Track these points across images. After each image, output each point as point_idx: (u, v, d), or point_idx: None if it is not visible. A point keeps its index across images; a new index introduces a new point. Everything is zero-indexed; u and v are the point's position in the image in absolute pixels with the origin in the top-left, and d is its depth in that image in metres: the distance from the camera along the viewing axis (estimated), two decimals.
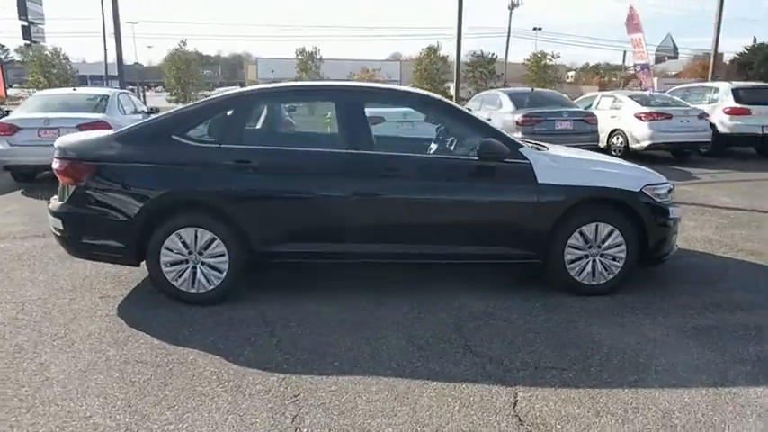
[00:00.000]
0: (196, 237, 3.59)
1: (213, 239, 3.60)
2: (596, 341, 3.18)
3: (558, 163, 3.79)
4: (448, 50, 33.54)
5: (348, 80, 33.45)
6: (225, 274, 3.64)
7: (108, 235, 3.63)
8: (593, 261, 3.80)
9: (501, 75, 34.19)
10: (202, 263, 3.63)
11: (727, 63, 64.75)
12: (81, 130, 6.62)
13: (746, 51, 59.32)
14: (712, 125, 10.90)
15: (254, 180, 3.59)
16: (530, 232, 3.72)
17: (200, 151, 3.65)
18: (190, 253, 3.61)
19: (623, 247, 3.78)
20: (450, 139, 3.95)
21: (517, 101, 10.58)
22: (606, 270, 3.82)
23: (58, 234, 3.71)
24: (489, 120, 8.65)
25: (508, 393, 2.64)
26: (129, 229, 3.56)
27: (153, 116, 4.20)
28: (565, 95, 12.62)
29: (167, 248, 3.59)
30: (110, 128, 5.86)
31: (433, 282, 4.07)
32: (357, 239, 3.68)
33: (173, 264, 3.62)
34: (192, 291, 3.66)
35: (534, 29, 57.10)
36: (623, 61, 57.23)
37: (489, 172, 3.66)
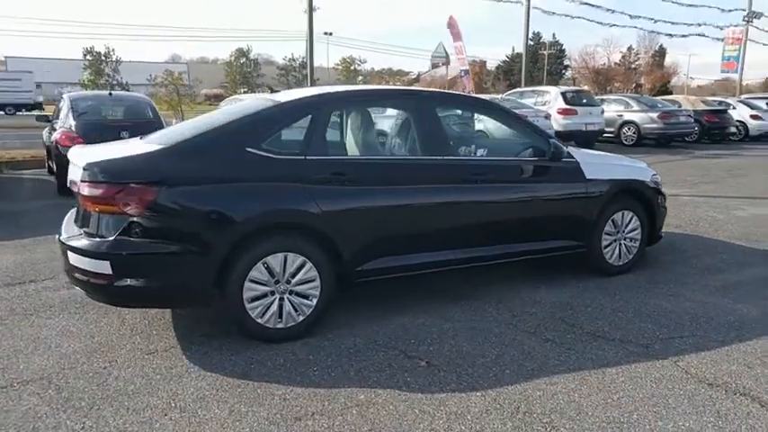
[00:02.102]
0: (285, 263, 3.20)
1: (304, 264, 3.24)
2: (670, 311, 3.75)
3: (593, 160, 4.31)
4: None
5: (152, 83, 30.57)
6: (316, 301, 3.31)
7: (177, 275, 3.00)
8: (620, 244, 4.43)
9: (317, 79, 34.89)
10: (290, 292, 3.24)
11: (493, 69, 76.21)
12: None
13: (508, 59, 70.63)
14: None
15: (350, 194, 3.33)
16: (581, 224, 4.18)
17: (287, 165, 3.22)
18: (276, 282, 3.20)
19: (639, 230, 4.50)
20: (505, 142, 4.17)
21: None
22: (628, 251, 4.48)
23: (98, 281, 2.93)
24: None
25: (671, 365, 3.02)
26: (207, 264, 3.01)
27: (201, 125, 3.52)
28: None
29: (252, 281, 3.12)
30: None
31: (483, 283, 4.24)
32: (444, 247, 3.68)
33: (256, 299, 3.16)
34: (280, 326, 3.24)
35: (325, 33, 59.43)
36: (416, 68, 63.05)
37: (552, 171, 4.00)
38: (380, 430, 2.44)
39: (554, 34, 70.07)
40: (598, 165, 4.27)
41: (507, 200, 3.89)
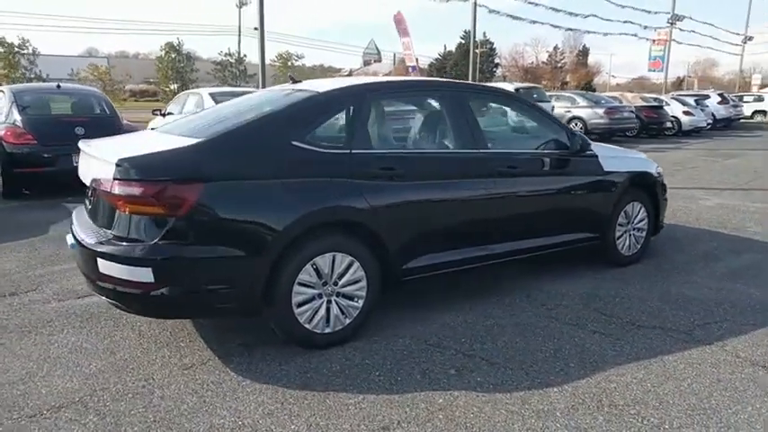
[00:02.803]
0: (333, 263, 3.03)
1: (351, 264, 3.08)
2: (692, 298, 3.89)
3: (609, 153, 4.40)
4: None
5: (74, 78, 28.59)
6: (363, 302, 3.16)
7: (225, 281, 2.76)
8: (630, 235, 4.57)
9: (254, 75, 33.95)
10: (338, 294, 3.08)
11: (427, 67, 77.37)
12: None
13: (440, 57, 71.98)
14: None
15: (397, 189, 3.19)
16: (600, 216, 4.26)
17: (333, 159, 3.03)
18: (324, 284, 3.02)
19: (646, 220, 4.65)
20: (532, 134, 4.15)
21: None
22: (636, 242, 4.63)
23: (136, 290, 2.63)
24: None
25: (720, 350, 3.12)
26: (258, 267, 2.79)
27: (229, 115, 3.24)
28: None
29: (301, 284, 2.93)
30: None
31: (504, 279, 4.23)
32: (485, 242, 3.64)
33: (304, 303, 2.98)
34: (327, 330, 3.07)
35: (255, 28, 57.86)
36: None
37: (577, 164, 4.05)
38: None
39: (484, 33, 71.93)
40: (613, 158, 4.37)
41: (541, 192, 3.90)
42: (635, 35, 29.27)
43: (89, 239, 2.79)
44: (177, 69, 28.98)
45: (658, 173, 4.79)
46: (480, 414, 2.49)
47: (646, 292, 4.02)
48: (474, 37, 21.32)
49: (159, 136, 3.22)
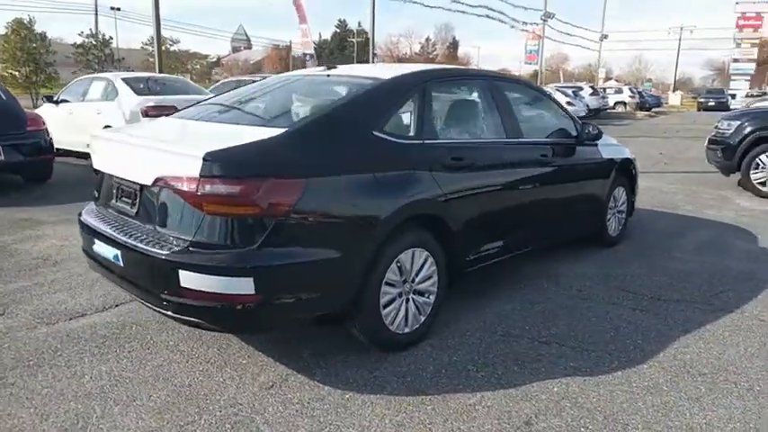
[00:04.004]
0: (413, 260, 2.91)
1: (426, 259, 2.99)
2: (688, 272, 4.32)
3: (602, 141, 4.69)
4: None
5: None
6: (434, 298, 3.08)
7: (321, 286, 2.52)
8: (615, 217, 4.94)
9: (122, 59, 31.07)
10: (414, 291, 2.97)
11: (301, 56, 76.37)
12: None
13: (315, 45, 71.47)
14: None
15: (464, 179, 3.13)
16: (602, 200, 4.56)
17: (409, 150, 2.88)
18: (404, 282, 2.90)
19: (626, 203, 5.07)
20: (550, 124, 4.25)
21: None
22: (619, 223, 5.02)
23: (231, 304, 2.30)
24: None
25: (743, 316, 3.50)
26: (357, 268, 2.60)
27: (286, 103, 2.90)
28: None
29: (387, 283, 2.79)
30: None
31: (515, 267, 4.35)
32: (530, 228, 3.77)
33: (389, 303, 2.83)
34: (407, 330, 2.96)
35: (112, 8, 53.11)
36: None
37: (587, 152, 4.27)
38: (613, 416, 2.41)
39: (359, 23, 72.61)
40: (607, 146, 4.68)
41: (568, 179, 4.10)
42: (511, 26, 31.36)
43: (155, 248, 2.38)
44: (28, 51, 25.51)
45: (634, 158, 5.23)
46: (601, 397, 2.56)
47: (646, 269, 4.39)
48: (373, 25, 21.37)
49: (205, 125, 2.85)
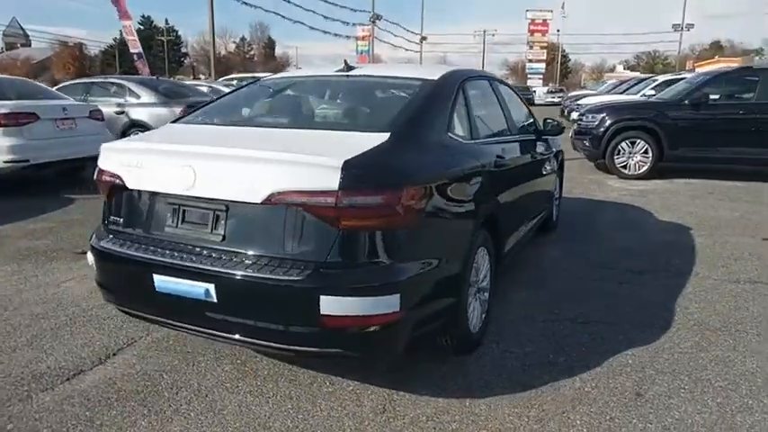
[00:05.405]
0: (481, 258, 2.97)
1: (485, 256, 3.06)
2: (631, 247, 4.99)
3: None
4: None
5: None
6: (488, 295, 3.18)
7: (443, 294, 2.49)
8: (555, 204, 5.49)
9: None
10: (479, 290, 3.03)
11: (100, 54, 69.27)
12: None
13: (116, 43, 65.34)
14: None
15: (504, 176, 3.26)
16: (553, 188, 5.04)
17: (470, 150, 2.91)
18: (475, 282, 2.95)
19: (559, 190, 5.66)
20: (523, 120, 4.49)
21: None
22: (556, 210, 5.58)
23: (376, 325, 2.12)
24: None
25: (714, 279, 4.17)
26: (465, 272, 2.62)
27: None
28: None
29: (469, 284, 2.81)
30: None
31: None
32: (528, 218, 4.03)
33: (470, 304, 2.86)
34: (477, 329, 3.01)
35: None
36: None
37: (548, 145, 4.67)
38: (693, 374, 2.76)
39: (167, 20, 67.95)
40: (554, 139, 5.17)
41: (546, 172, 4.45)
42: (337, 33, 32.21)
43: (278, 275, 2.09)
44: None
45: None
46: (670, 360, 2.90)
47: (595, 247, 4.96)
48: (212, 24, 20.04)
49: (272, 131, 2.59)
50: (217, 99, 3.40)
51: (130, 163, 2.41)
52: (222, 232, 2.25)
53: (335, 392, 2.60)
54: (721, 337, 3.20)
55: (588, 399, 2.57)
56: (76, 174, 7.82)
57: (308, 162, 2.11)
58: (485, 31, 61.71)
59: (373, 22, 30.38)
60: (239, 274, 2.13)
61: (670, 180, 8.50)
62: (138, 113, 9.06)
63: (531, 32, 49.09)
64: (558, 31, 56.05)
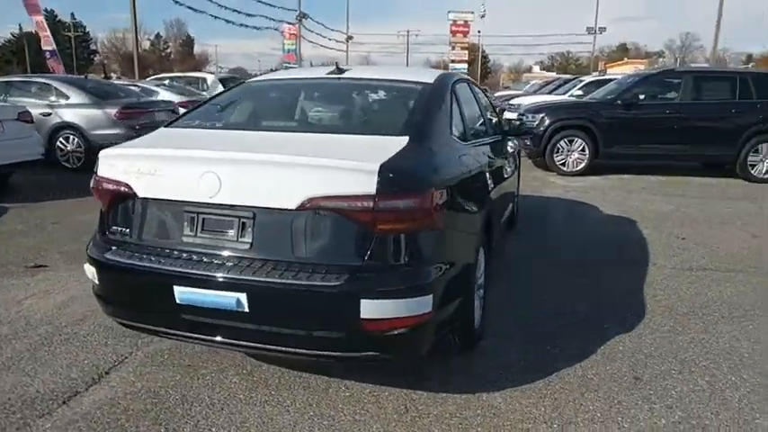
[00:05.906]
0: (482, 256, 3.07)
1: (482, 254, 3.16)
2: (587, 239, 5.32)
3: None
4: None
5: None
6: (483, 292, 3.29)
7: (462, 292, 2.56)
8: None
9: None
10: (478, 286, 3.13)
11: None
12: None
13: (15, 38, 60.66)
14: None
15: (492, 176, 3.37)
16: (515, 187, 5.25)
17: (468, 151, 2.99)
18: (477, 278, 3.05)
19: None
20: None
21: None
22: (516, 207, 5.84)
23: (412, 325, 2.16)
24: None
25: (674, 264, 4.54)
26: (477, 270, 2.74)
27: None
28: None
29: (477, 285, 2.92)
30: None
31: None
32: (501, 216, 4.17)
33: (475, 302, 2.96)
34: (480, 326, 3.11)
35: None
36: None
37: (511, 144, 4.87)
38: (678, 356, 3.00)
39: (73, 14, 63.88)
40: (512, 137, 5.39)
41: (511, 170, 4.61)
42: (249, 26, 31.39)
43: (315, 281, 2.08)
44: None
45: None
46: (660, 344, 3.14)
47: (558, 242, 5.25)
48: (135, 21, 18.93)
49: (286, 135, 2.54)
50: (207, 101, 3.29)
51: (141, 170, 2.30)
52: (250, 240, 2.21)
53: (354, 396, 2.62)
54: (692, 320, 3.50)
55: (593, 385, 2.73)
56: (4, 180, 7.24)
57: (345, 167, 2.12)
58: (408, 32, 62.68)
59: (300, 20, 30.18)
60: (274, 281, 2.10)
61: (605, 176, 9.06)
62: (68, 115, 8.49)
63: (453, 33, 50.34)
64: (480, 32, 57.93)
